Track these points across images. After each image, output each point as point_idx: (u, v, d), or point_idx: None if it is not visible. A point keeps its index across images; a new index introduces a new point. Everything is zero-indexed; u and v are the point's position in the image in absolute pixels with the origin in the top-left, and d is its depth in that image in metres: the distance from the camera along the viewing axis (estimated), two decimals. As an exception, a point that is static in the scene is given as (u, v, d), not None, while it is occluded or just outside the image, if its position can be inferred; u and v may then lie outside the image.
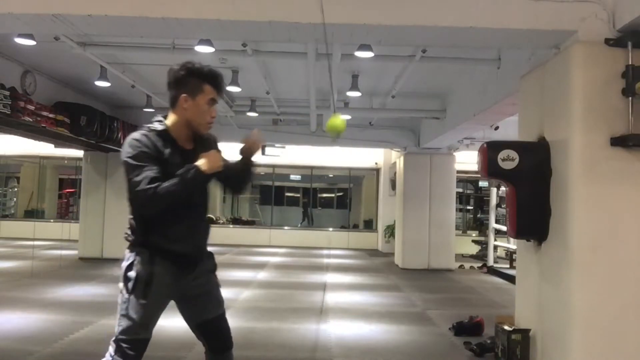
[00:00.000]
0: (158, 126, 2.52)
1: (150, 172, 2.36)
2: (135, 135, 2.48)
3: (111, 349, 2.45)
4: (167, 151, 2.47)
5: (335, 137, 3.16)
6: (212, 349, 2.69)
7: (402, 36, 4.11)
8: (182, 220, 2.51)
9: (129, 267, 2.46)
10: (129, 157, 2.40)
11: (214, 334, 2.67)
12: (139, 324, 2.43)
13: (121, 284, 2.48)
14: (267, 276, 9.89)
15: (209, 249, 2.71)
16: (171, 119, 2.55)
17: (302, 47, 6.27)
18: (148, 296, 2.43)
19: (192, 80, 2.51)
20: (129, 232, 2.54)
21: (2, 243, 13.72)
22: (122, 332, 2.43)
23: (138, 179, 2.35)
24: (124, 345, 2.42)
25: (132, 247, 2.51)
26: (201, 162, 2.42)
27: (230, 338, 2.72)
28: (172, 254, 2.50)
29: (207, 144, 2.60)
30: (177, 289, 2.54)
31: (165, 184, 2.35)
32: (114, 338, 2.46)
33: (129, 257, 2.49)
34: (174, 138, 2.53)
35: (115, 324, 2.47)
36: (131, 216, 2.52)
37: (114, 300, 2.55)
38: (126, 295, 2.44)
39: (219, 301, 2.71)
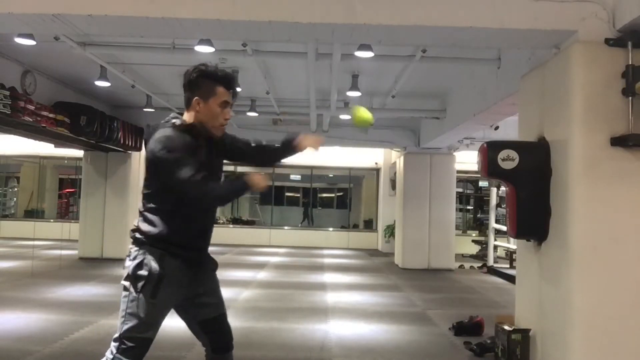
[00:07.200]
0: (181, 123, 2.54)
1: (194, 165, 2.39)
2: (166, 132, 2.48)
3: (113, 347, 2.43)
4: (194, 146, 2.49)
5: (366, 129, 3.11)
6: (216, 348, 2.69)
7: (402, 36, 4.11)
8: (202, 219, 2.61)
9: (139, 266, 2.44)
10: (169, 152, 2.40)
11: (218, 333, 2.68)
12: (146, 323, 2.43)
13: (127, 283, 2.46)
14: (267, 276, 9.89)
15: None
16: (187, 118, 2.59)
17: (302, 47, 6.26)
18: (157, 296, 2.43)
19: (205, 82, 2.54)
20: (141, 227, 2.50)
21: (2, 243, 13.70)
22: (128, 330, 2.42)
23: (188, 173, 2.36)
24: (129, 343, 2.41)
25: (141, 244, 2.49)
26: (249, 180, 2.44)
27: (232, 338, 2.74)
28: (186, 251, 2.51)
29: (220, 142, 2.67)
30: (185, 288, 2.55)
31: (217, 186, 2.46)
32: (117, 336, 2.44)
33: (136, 255, 2.47)
34: (196, 135, 2.55)
35: (119, 322, 2.45)
36: (151, 211, 2.49)
37: (114, 300, 2.55)
38: (134, 294, 2.42)
39: (222, 300, 2.74)
